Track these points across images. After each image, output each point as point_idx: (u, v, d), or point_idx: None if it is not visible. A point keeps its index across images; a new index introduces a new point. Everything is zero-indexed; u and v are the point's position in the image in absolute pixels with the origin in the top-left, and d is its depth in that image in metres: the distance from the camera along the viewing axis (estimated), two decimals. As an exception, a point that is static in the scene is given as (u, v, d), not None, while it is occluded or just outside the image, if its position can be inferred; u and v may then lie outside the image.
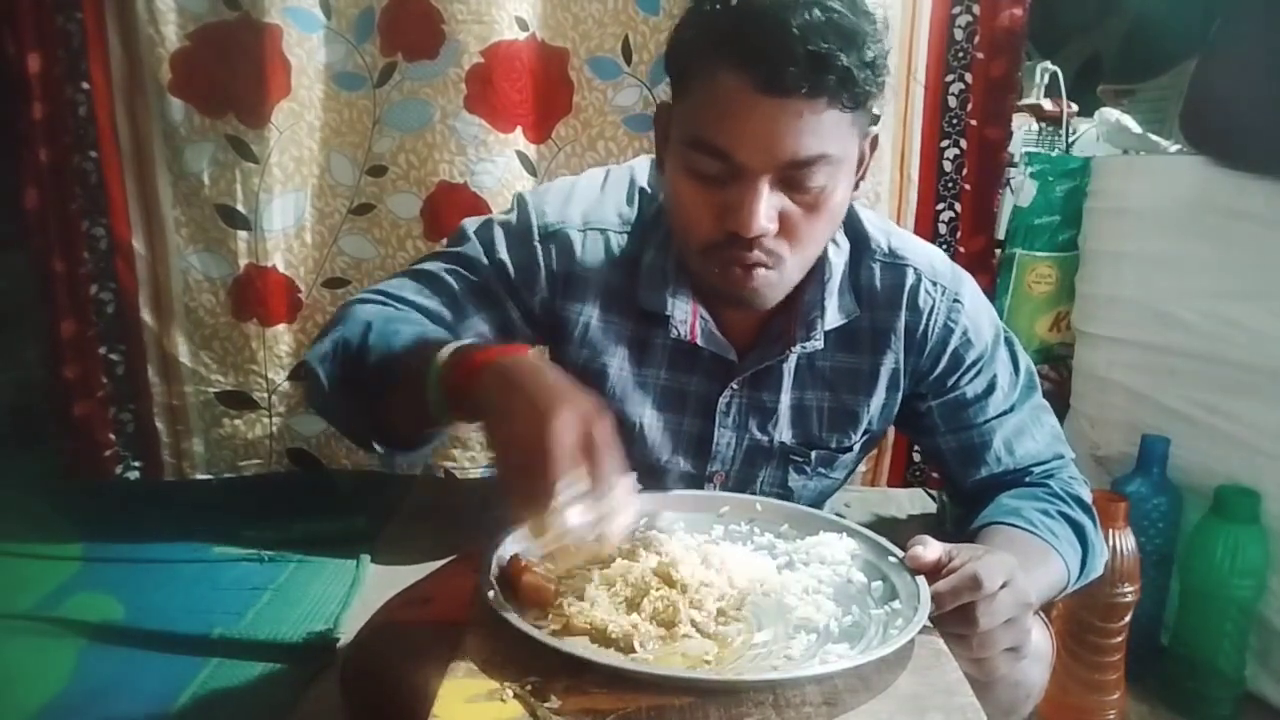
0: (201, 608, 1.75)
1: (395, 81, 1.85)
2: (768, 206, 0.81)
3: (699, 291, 0.95)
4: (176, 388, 1.95)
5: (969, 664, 0.71)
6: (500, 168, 1.86)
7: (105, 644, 1.62)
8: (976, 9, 1.80)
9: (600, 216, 0.98)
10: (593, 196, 0.99)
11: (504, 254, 0.96)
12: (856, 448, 1.05)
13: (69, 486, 2.04)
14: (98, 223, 1.87)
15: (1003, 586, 0.73)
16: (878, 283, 0.98)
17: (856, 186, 0.90)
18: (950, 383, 1.00)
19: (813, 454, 1.03)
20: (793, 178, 0.82)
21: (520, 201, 1.00)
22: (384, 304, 0.93)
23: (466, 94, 1.82)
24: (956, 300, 0.99)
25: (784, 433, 1.01)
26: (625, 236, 0.97)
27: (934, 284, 0.98)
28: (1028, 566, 0.80)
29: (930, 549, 0.77)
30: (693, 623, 0.71)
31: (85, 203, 1.85)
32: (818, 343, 0.96)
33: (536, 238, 0.96)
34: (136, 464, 1.99)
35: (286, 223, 1.90)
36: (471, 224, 1.00)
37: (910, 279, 0.98)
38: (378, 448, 0.88)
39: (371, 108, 1.87)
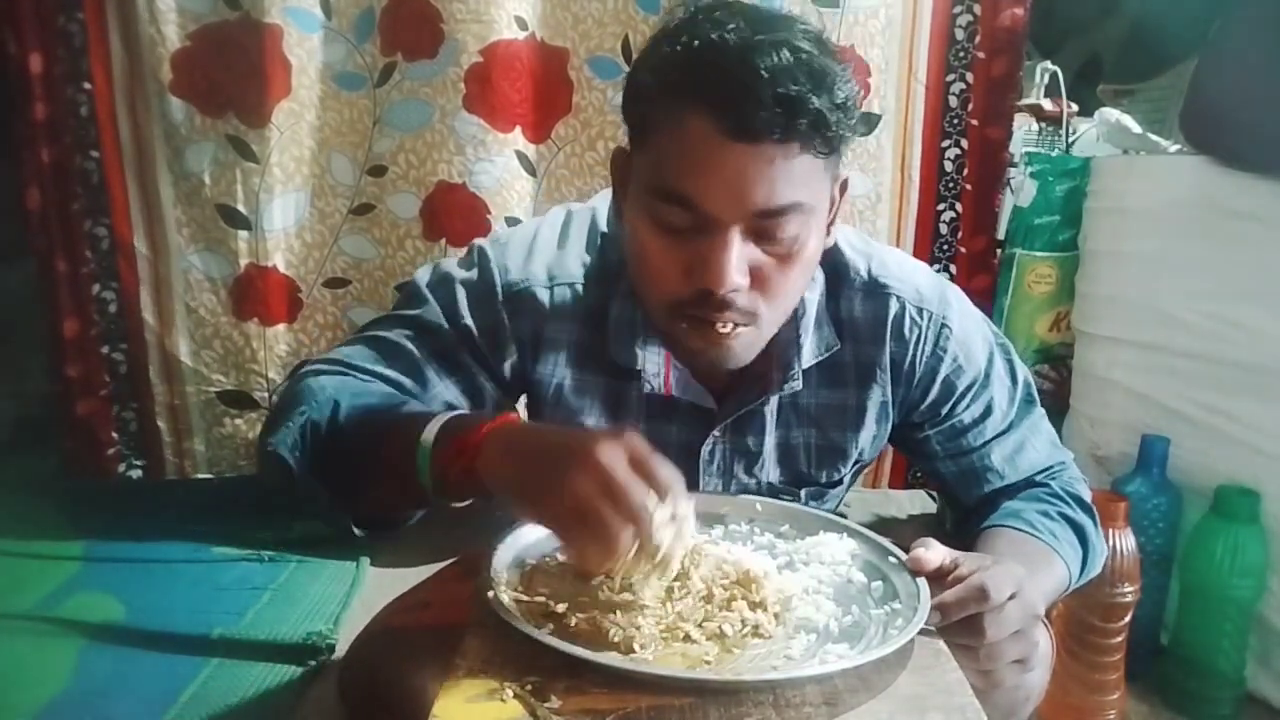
0: (201, 608, 1.74)
1: (395, 81, 1.84)
2: (739, 259, 0.77)
3: (670, 341, 0.90)
4: (178, 387, 1.96)
5: (975, 675, 0.70)
6: (499, 167, 1.86)
7: (105, 644, 1.62)
8: (977, 9, 1.80)
9: (565, 269, 0.93)
10: (555, 247, 0.94)
11: (468, 317, 0.91)
12: (847, 479, 1.03)
13: (71, 486, 2.04)
14: (99, 222, 1.87)
15: (1010, 598, 0.71)
16: (858, 313, 0.94)
17: (828, 232, 0.86)
18: (945, 411, 0.98)
19: (802, 491, 1.00)
20: (764, 228, 0.78)
21: (481, 256, 0.94)
22: (343, 374, 0.87)
23: (466, 94, 1.81)
24: (945, 325, 0.95)
25: (771, 474, 0.99)
26: (592, 288, 0.92)
27: (919, 310, 0.94)
28: (1030, 570, 0.79)
29: (933, 551, 0.76)
30: (756, 629, 0.70)
31: (87, 202, 1.85)
32: (796, 384, 0.92)
33: (500, 298, 0.91)
34: (138, 463, 2.00)
35: (287, 222, 1.90)
36: (425, 279, 0.95)
37: (894, 308, 0.94)
38: (356, 531, 0.82)
39: (371, 107, 1.87)
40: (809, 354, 0.92)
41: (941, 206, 1.91)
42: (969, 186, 1.89)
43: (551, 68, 1.86)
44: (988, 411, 0.98)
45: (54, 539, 1.98)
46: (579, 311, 0.92)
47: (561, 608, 0.72)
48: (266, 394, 1.97)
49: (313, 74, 1.84)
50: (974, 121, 1.85)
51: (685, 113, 0.75)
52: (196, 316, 1.93)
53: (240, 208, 1.87)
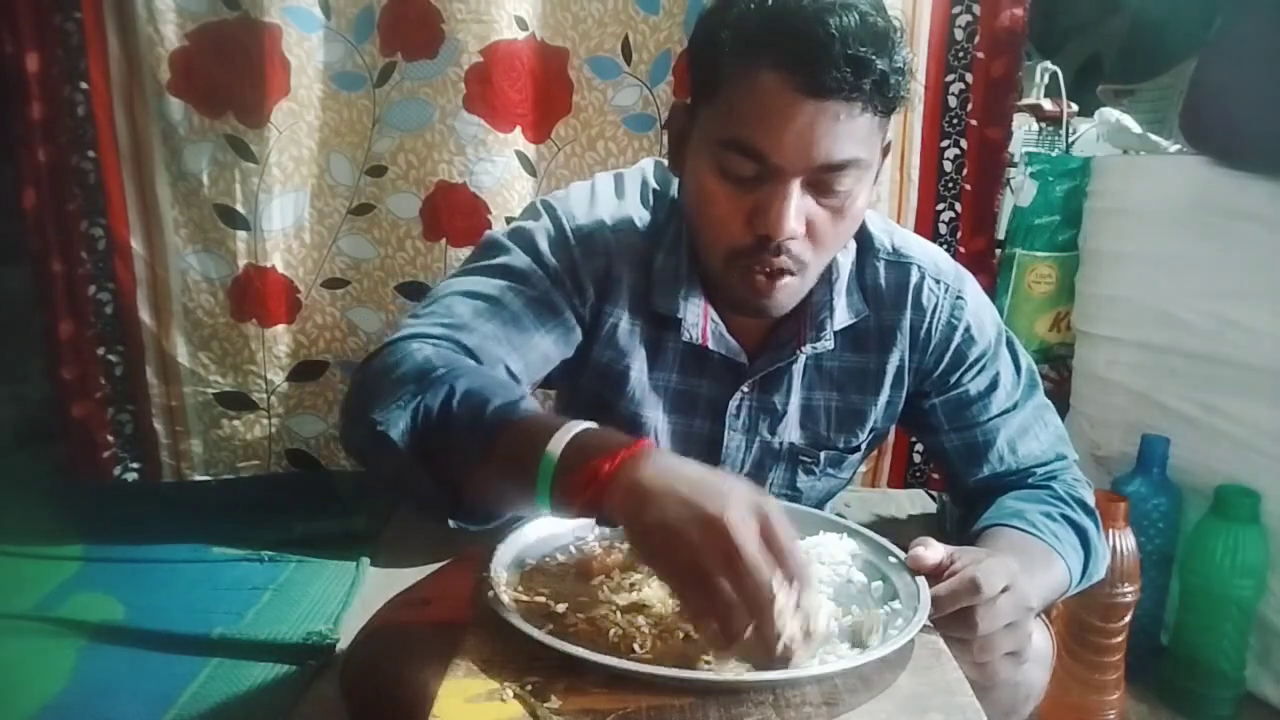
0: (201, 608, 1.75)
1: (395, 81, 1.84)
2: (798, 209, 0.81)
3: (710, 294, 0.95)
4: (175, 388, 1.95)
5: (969, 668, 0.71)
6: (499, 167, 1.86)
7: (105, 644, 1.62)
8: (977, 9, 1.80)
9: (625, 218, 0.97)
10: (613, 198, 0.98)
11: (553, 260, 0.93)
12: (863, 447, 1.05)
13: (68, 487, 2.04)
14: (96, 223, 1.86)
15: (1004, 591, 0.72)
16: (882, 281, 0.98)
17: (874, 195, 0.91)
18: (953, 380, 1.01)
19: (821, 454, 1.03)
20: (822, 181, 0.81)
21: (548, 207, 0.97)
22: (449, 341, 0.85)
23: (466, 94, 1.81)
24: (960, 297, 0.99)
25: (793, 434, 1.01)
26: (643, 238, 0.96)
27: (937, 281, 0.99)
28: (1029, 569, 0.79)
29: (932, 550, 0.76)
30: None
31: (84, 203, 1.85)
32: (828, 343, 0.96)
33: (573, 241, 0.94)
34: (135, 465, 1.99)
35: (286, 223, 1.90)
36: (500, 233, 0.97)
37: (914, 277, 0.98)
38: (450, 523, 0.78)
39: (371, 107, 1.87)
40: (841, 316, 0.96)
41: (941, 206, 1.91)
42: (968, 186, 1.89)
43: (551, 68, 1.86)
44: (993, 386, 1.01)
45: (53, 540, 1.98)
46: (635, 257, 0.96)
47: (561, 608, 0.72)
48: (265, 395, 1.97)
49: (312, 74, 1.84)
50: (973, 122, 1.85)
51: (759, 68, 0.78)
52: (194, 317, 1.92)
53: (239, 208, 1.86)
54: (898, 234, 1.01)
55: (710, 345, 0.96)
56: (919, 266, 0.99)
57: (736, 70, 0.80)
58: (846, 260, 0.97)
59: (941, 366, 1.00)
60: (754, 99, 0.79)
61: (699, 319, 0.95)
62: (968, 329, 0.99)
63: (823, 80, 0.76)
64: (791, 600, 0.60)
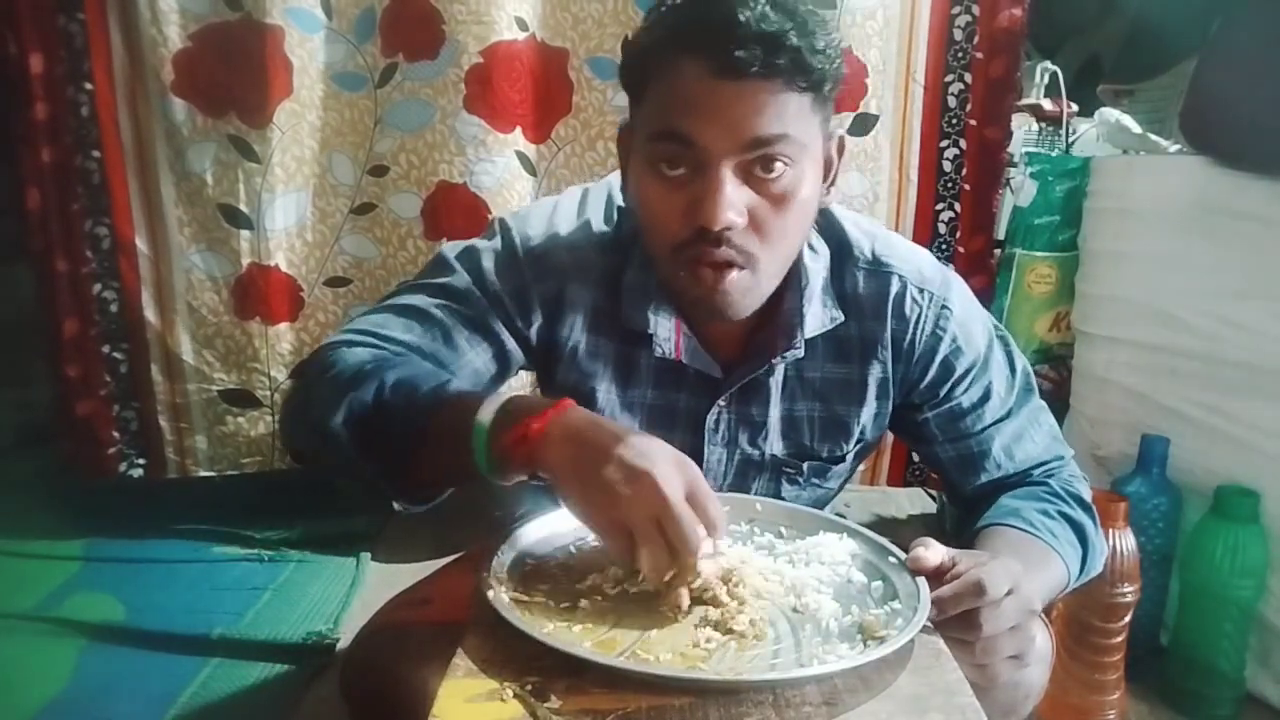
0: (201, 608, 1.75)
1: (396, 82, 1.85)
2: (733, 196, 0.81)
3: (681, 308, 0.93)
4: (179, 386, 1.96)
5: (972, 670, 0.71)
6: (500, 168, 1.86)
7: (105, 644, 1.62)
8: (976, 9, 1.81)
9: (584, 236, 0.96)
10: (574, 216, 0.97)
11: (496, 282, 0.93)
12: (850, 457, 1.04)
13: (71, 485, 2.04)
14: (100, 222, 1.87)
15: (1007, 593, 0.72)
16: (860, 289, 0.96)
17: (828, 192, 0.90)
18: (944, 392, 0.99)
19: (805, 465, 1.02)
20: (755, 165, 0.81)
21: (502, 226, 0.97)
22: (376, 347, 0.88)
23: (466, 94, 1.82)
24: (945, 307, 0.97)
25: (775, 445, 1.00)
26: (608, 255, 0.95)
27: (921, 291, 0.97)
28: (1029, 569, 0.79)
29: (933, 551, 0.76)
30: (729, 630, 0.71)
31: (88, 202, 1.85)
32: (798, 351, 0.94)
33: (524, 259, 0.94)
34: (140, 461, 2.00)
35: (288, 222, 1.91)
36: (451, 251, 0.97)
37: (895, 286, 0.96)
38: (396, 506, 0.84)
39: (372, 108, 1.88)
40: (812, 324, 0.94)
41: (940, 206, 1.91)
42: (967, 186, 1.89)
43: (551, 68, 1.86)
44: (986, 396, 0.99)
45: (54, 539, 1.99)
46: (596, 276, 0.95)
47: (563, 607, 0.73)
48: (268, 392, 1.97)
49: (314, 74, 1.85)
50: (972, 122, 1.86)
51: (677, 60, 0.80)
52: (198, 315, 1.93)
53: (242, 207, 1.87)
54: (879, 240, 0.99)
55: (684, 359, 0.95)
56: (900, 276, 0.96)
57: (657, 67, 0.83)
58: (818, 266, 0.95)
59: (929, 378, 0.99)
60: (675, 88, 0.81)
61: (671, 333, 0.94)
62: (954, 339, 0.97)
63: (735, 60, 0.77)
64: (709, 547, 0.70)
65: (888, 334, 0.97)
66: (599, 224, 0.97)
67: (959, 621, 0.72)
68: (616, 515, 0.68)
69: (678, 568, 0.70)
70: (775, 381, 0.97)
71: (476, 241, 0.97)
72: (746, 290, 0.86)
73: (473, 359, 0.93)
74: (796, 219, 0.85)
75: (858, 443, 1.03)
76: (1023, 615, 0.74)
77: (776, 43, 0.77)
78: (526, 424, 0.71)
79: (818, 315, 0.95)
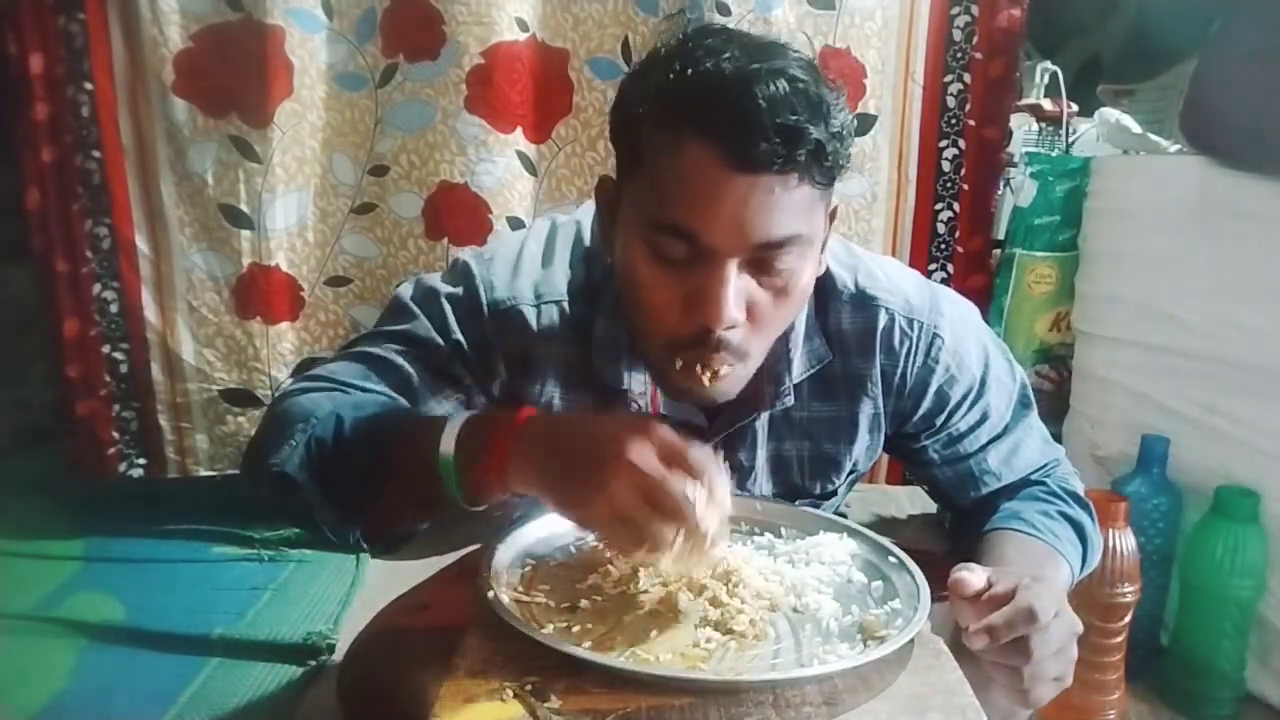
0: (201, 608, 1.74)
1: (397, 82, 1.85)
2: (737, 294, 0.76)
3: (657, 374, 0.88)
4: (180, 385, 1.96)
5: (1015, 695, 0.70)
6: (501, 168, 1.86)
7: (105, 644, 1.62)
8: (975, 9, 1.81)
9: (552, 287, 0.91)
10: (540, 265, 0.93)
11: (457, 332, 0.89)
12: (842, 490, 1.02)
13: (71, 485, 2.04)
14: (101, 222, 1.87)
15: (1054, 616, 0.70)
16: (846, 326, 0.93)
17: (820, 263, 0.85)
18: (940, 421, 0.97)
19: (796, 503, 0.99)
20: (762, 260, 0.76)
21: (465, 271, 0.92)
22: (333, 390, 0.86)
23: (467, 95, 1.82)
24: (936, 335, 0.94)
25: (764, 487, 0.98)
26: (577, 306, 0.91)
27: (910, 322, 0.93)
28: (1042, 575, 0.78)
29: (976, 575, 0.73)
30: (729, 630, 0.71)
31: (88, 202, 1.85)
32: (788, 399, 0.91)
33: (486, 315, 0.90)
34: (140, 461, 2.00)
35: (289, 222, 1.91)
36: (410, 293, 0.93)
37: (883, 320, 0.93)
38: (364, 547, 0.83)
39: (373, 108, 1.88)
40: (799, 368, 0.92)
41: (939, 206, 1.91)
42: (966, 186, 1.89)
43: (552, 69, 1.86)
44: (984, 418, 0.98)
45: (54, 539, 1.99)
46: (565, 331, 0.91)
47: (563, 607, 0.73)
48: (269, 392, 1.97)
49: (314, 75, 1.85)
50: (971, 122, 1.86)
51: (684, 143, 0.73)
52: (199, 315, 1.93)
53: (243, 207, 1.87)
54: (862, 269, 0.94)
55: (663, 411, 0.91)
56: (887, 309, 0.92)
57: (660, 145, 0.75)
58: (802, 309, 0.91)
59: (923, 409, 0.96)
60: (681, 174, 0.73)
61: (646, 387, 0.91)
62: (948, 369, 0.95)
63: (753, 153, 0.71)
64: (704, 495, 0.65)
65: (876, 370, 0.94)
66: (566, 270, 0.92)
67: (1009, 648, 0.70)
68: (608, 511, 0.65)
69: (687, 532, 0.66)
70: (761, 425, 0.95)
71: (437, 283, 0.93)
72: (737, 381, 0.84)
73: (434, 407, 0.90)
74: (794, 308, 0.83)
75: (849, 474, 1.01)
76: (1069, 637, 0.72)
77: (797, 135, 0.71)
78: (491, 449, 0.69)
79: (804, 357, 0.92)
